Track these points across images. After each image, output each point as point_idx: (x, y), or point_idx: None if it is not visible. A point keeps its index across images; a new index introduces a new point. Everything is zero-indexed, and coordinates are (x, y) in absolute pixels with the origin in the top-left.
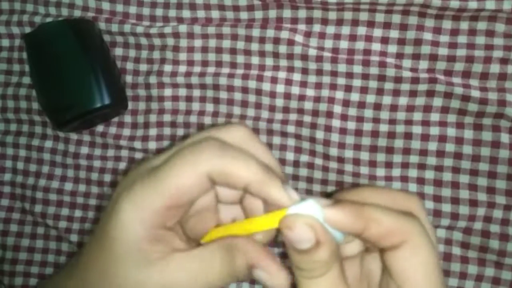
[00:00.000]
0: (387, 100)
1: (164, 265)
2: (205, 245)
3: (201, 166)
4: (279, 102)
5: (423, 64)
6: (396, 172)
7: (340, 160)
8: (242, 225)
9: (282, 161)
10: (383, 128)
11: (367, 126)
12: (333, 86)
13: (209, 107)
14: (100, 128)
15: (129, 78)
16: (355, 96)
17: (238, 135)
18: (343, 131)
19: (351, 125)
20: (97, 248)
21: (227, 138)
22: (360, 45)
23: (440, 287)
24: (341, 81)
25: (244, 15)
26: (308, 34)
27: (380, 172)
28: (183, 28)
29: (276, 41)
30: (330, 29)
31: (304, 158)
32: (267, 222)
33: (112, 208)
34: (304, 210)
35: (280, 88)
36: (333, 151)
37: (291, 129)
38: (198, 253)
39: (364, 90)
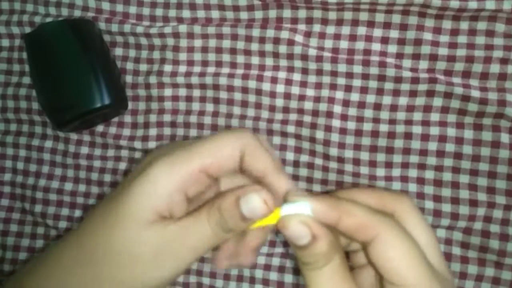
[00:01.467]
0: (387, 100)
1: (159, 227)
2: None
3: (236, 142)
4: (279, 102)
5: (423, 64)
6: (396, 172)
7: (340, 160)
8: None
9: (282, 161)
10: (383, 128)
11: (367, 126)
12: (333, 86)
13: (209, 107)
14: (100, 128)
15: (129, 78)
16: (355, 96)
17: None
18: (343, 131)
19: (351, 125)
20: (104, 213)
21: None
22: (360, 45)
23: (429, 274)
24: (341, 81)
25: (244, 15)
26: (308, 34)
27: (380, 172)
28: (183, 28)
29: (276, 41)
30: (330, 29)
31: (304, 158)
32: (265, 219)
33: (144, 168)
34: (296, 209)
35: (280, 88)
36: (333, 151)
37: (291, 129)
38: (190, 214)
39: (364, 90)
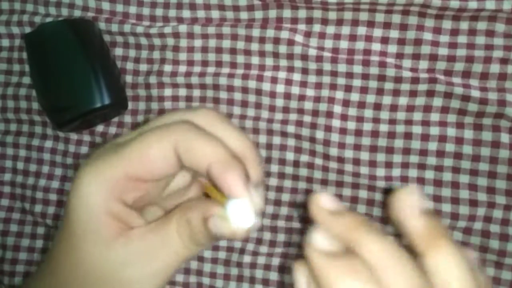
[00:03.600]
0: (387, 100)
1: (125, 241)
2: (162, 217)
3: (166, 140)
4: (279, 102)
5: (423, 64)
6: (396, 172)
7: (340, 160)
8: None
9: (282, 161)
10: (383, 128)
11: (367, 126)
12: (333, 86)
13: (209, 107)
14: (100, 128)
15: (129, 78)
16: (355, 96)
17: (207, 117)
18: (343, 131)
19: (351, 125)
20: (63, 231)
21: (195, 120)
22: (360, 45)
23: None
24: (341, 81)
25: (244, 15)
26: (308, 34)
27: (380, 172)
28: (183, 28)
29: (276, 41)
30: (330, 29)
31: (304, 158)
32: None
33: (75, 182)
34: (238, 207)
35: (280, 88)
36: (333, 151)
37: (291, 129)
38: (155, 225)
39: (364, 90)
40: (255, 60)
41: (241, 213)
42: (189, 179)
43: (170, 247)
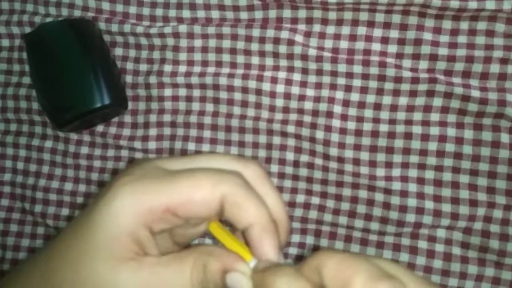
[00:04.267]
0: (387, 100)
1: (136, 267)
2: (179, 252)
3: (219, 188)
4: (279, 102)
5: (423, 64)
6: (396, 172)
7: (340, 160)
8: (228, 238)
9: (282, 161)
10: (383, 128)
11: (367, 126)
12: (333, 86)
13: (209, 107)
14: (100, 128)
15: (129, 78)
16: (355, 96)
17: (255, 173)
18: (343, 131)
19: (351, 125)
20: (73, 237)
21: (244, 173)
22: (360, 45)
23: None
24: (341, 81)
25: (244, 15)
26: (308, 34)
27: (380, 172)
28: (183, 28)
29: (276, 41)
30: (330, 29)
31: (304, 158)
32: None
33: (107, 195)
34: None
35: (280, 88)
36: (333, 151)
37: (291, 129)
38: (169, 260)
39: (364, 90)
40: (255, 60)
41: None
42: None
43: (178, 283)
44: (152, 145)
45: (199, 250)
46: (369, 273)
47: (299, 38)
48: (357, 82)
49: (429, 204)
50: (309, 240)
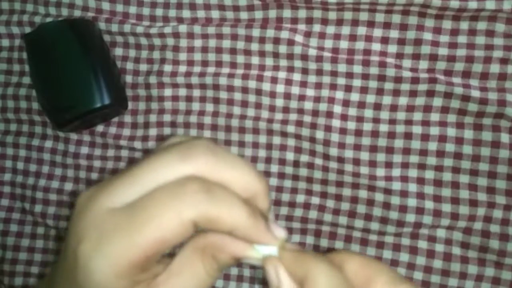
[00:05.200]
0: (387, 100)
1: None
2: (178, 255)
3: (185, 214)
4: (279, 102)
5: (423, 64)
6: (396, 172)
7: (340, 160)
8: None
9: (282, 161)
10: (383, 128)
11: (367, 126)
12: (333, 86)
13: (209, 107)
14: (100, 128)
15: (129, 78)
16: (355, 96)
17: (207, 164)
18: (343, 131)
19: (351, 125)
20: None
21: (198, 171)
22: (360, 45)
23: None
24: (341, 81)
25: (244, 15)
26: (308, 34)
27: (380, 172)
28: (183, 28)
29: (276, 41)
30: (330, 29)
31: (304, 158)
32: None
33: (79, 262)
34: (266, 251)
35: (280, 88)
36: (333, 151)
37: (291, 129)
38: (177, 268)
39: (364, 90)
40: (255, 60)
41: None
42: None
43: (197, 280)
44: (152, 145)
45: (205, 246)
46: (391, 275)
47: (299, 38)
48: (357, 82)
49: (429, 204)
50: (309, 240)
